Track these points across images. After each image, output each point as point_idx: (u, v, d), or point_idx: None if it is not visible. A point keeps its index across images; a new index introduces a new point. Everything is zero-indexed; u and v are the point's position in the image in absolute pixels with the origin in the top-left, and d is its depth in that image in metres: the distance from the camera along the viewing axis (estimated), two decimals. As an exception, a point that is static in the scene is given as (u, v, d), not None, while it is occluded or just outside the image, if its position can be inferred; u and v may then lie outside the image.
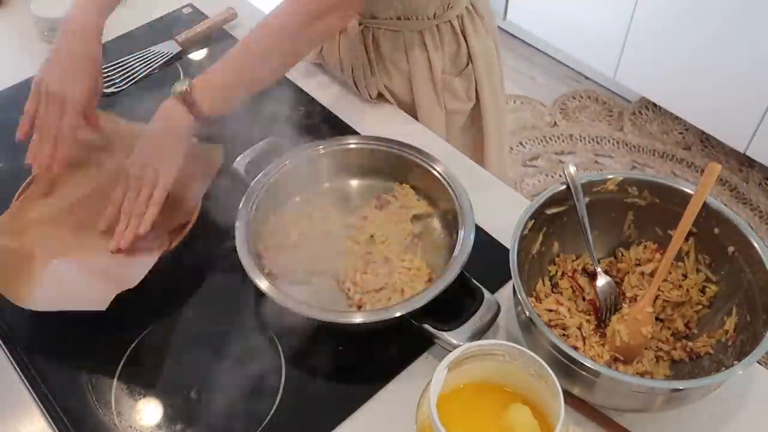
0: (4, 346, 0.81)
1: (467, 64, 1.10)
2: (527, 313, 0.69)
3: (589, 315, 0.81)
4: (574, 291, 0.83)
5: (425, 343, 0.80)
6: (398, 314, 0.74)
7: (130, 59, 1.19)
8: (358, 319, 0.75)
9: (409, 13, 1.02)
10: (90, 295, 0.78)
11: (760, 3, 1.89)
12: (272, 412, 0.75)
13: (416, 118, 1.10)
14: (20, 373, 0.79)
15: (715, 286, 0.79)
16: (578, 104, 2.52)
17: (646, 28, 2.20)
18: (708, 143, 2.33)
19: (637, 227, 0.84)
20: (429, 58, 1.06)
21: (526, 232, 0.77)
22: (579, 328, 0.78)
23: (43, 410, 0.76)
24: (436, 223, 0.91)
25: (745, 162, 2.26)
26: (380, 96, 1.11)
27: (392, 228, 0.89)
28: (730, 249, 0.76)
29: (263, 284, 0.77)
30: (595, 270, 0.81)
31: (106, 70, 1.15)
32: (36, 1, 1.22)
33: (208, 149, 0.95)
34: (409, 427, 0.66)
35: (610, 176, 0.81)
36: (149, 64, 1.18)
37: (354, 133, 1.04)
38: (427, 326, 0.75)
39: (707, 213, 0.77)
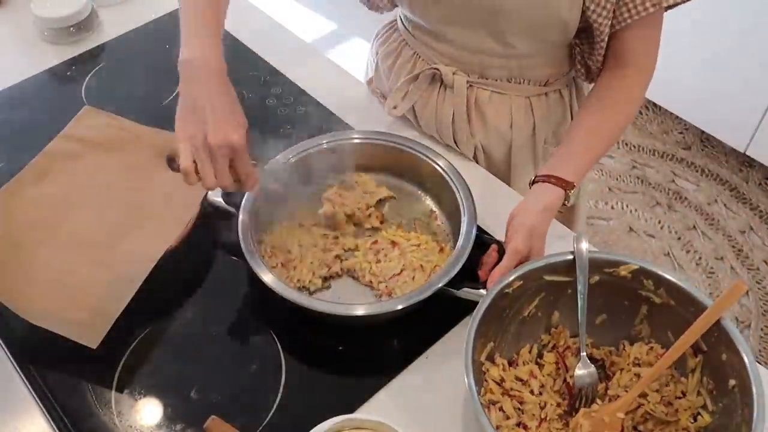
0: (4, 346, 0.81)
1: None
2: (466, 381, 0.66)
3: (563, 399, 0.75)
4: (558, 368, 0.77)
5: (424, 343, 0.81)
6: (430, 293, 0.76)
7: None
8: (399, 305, 0.76)
9: (520, 76, 0.98)
10: (83, 321, 0.78)
11: (760, 3, 1.89)
12: (272, 411, 0.75)
13: (507, 182, 1.05)
14: (20, 373, 0.79)
15: (709, 416, 0.70)
16: (578, 104, 2.52)
17: (646, 28, 2.20)
18: (708, 143, 2.34)
19: (650, 324, 0.77)
20: (534, 126, 1.02)
21: (508, 290, 0.73)
22: (542, 408, 0.73)
23: (43, 410, 0.76)
24: (440, 218, 0.92)
25: (745, 162, 2.26)
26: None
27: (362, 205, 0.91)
28: (731, 382, 0.68)
29: (267, 277, 0.77)
30: (580, 354, 0.75)
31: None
32: (36, 1, 1.22)
33: None
34: (408, 426, 0.66)
35: (624, 262, 0.74)
36: None
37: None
38: (466, 289, 0.78)
39: (719, 334, 0.69)
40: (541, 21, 0.87)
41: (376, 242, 0.87)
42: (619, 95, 0.90)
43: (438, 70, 0.98)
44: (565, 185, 0.82)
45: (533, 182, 0.85)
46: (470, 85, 0.99)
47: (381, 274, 0.84)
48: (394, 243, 0.87)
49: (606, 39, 0.87)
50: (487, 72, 0.98)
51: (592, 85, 0.96)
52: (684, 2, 0.84)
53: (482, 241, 0.83)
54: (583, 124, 0.90)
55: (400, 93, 1.04)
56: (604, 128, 0.89)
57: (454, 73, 0.98)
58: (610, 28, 0.86)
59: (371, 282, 0.84)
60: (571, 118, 1.05)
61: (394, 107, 1.05)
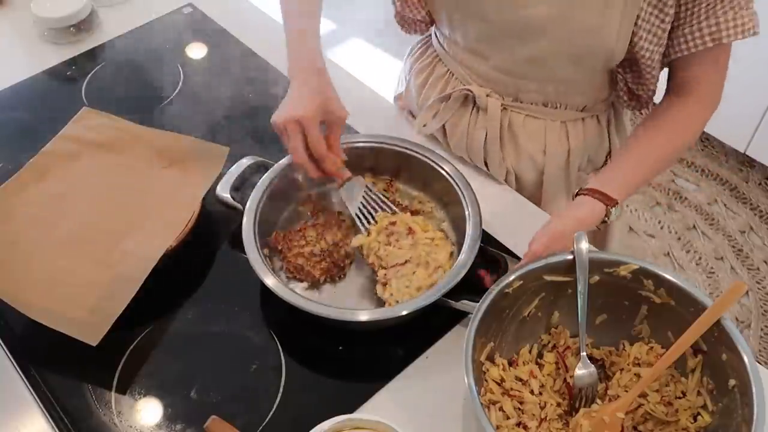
0: (4, 347, 0.81)
1: (604, 163, 1.03)
2: (467, 380, 0.66)
3: (563, 399, 0.75)
4: (558, 368, 0.77)
5: (424, 343, 0.81)
6: (435, 298, 0.76)
7: None
8: (404, 311, 0.75)
9: (557, 101, 0.95)
10: (83, 320, 0.78)
11: (761, 3, 1.89)
12: (272, 411, 0.75)
13: (538, 204, 1.02)
14: (21, 373, 0.79)
15: (709, 416, 0.70)
16: (578, 104, 2.52)
17: (646, 28, 2.20)
18: (708, 143, 2.34)
19: (650, 325, 0.77)
20: (569, 152, 0.99)
21: (508, 290, 0.73)
22: (542, 408, 0.73)
23: (43, 410, 0.76)
24: (444, 223, 0.92)
25: (745, 162, 2.26)
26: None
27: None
28: (731, 382, 0.67)
29: (269, 280, 0.77)
30: (580, 354, 0.74)
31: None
32: (36, 1, 1.22)
33: (213, 149, 0.95)
34: (408, 426, 0.66)
35: (624, 262, 0.74)
36: None
37: (354, 132, 1.04)
38: (464, 302, 0.78)
39: (719, 334, 0.69)
40: (586, 49, 0.84)
41: (394, 223, 0.85)
42: (678, 123, 0.87)
43: (471, 91, 0.96)
44: (608, 201, 0.80)
45: (576, 194, 0.83)
46: (504, 108, 0.96)
47: (385, 259, 0.82)
48: (411, 230, 0.85)
49: (657, 69, 0.85)
50: (523, 95, 0.95)
51: (632, 110, 0.94)
52: (745, 38, 0.80)
53: (487, 253, 0.82)
54: (638, 144, 0.87)
55: (430, 111, 1.01)
56: (659, 153, 0.87)
57: (487, 95, 0.95)
58: (665, 57, 0.83)
59: (373, 264, 0.83)
60: (609, 144, 1.02)
61: (424, 125, 1.02)
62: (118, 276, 0.81)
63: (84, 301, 0.79)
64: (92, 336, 0.76)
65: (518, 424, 0.71)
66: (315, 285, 0.85)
